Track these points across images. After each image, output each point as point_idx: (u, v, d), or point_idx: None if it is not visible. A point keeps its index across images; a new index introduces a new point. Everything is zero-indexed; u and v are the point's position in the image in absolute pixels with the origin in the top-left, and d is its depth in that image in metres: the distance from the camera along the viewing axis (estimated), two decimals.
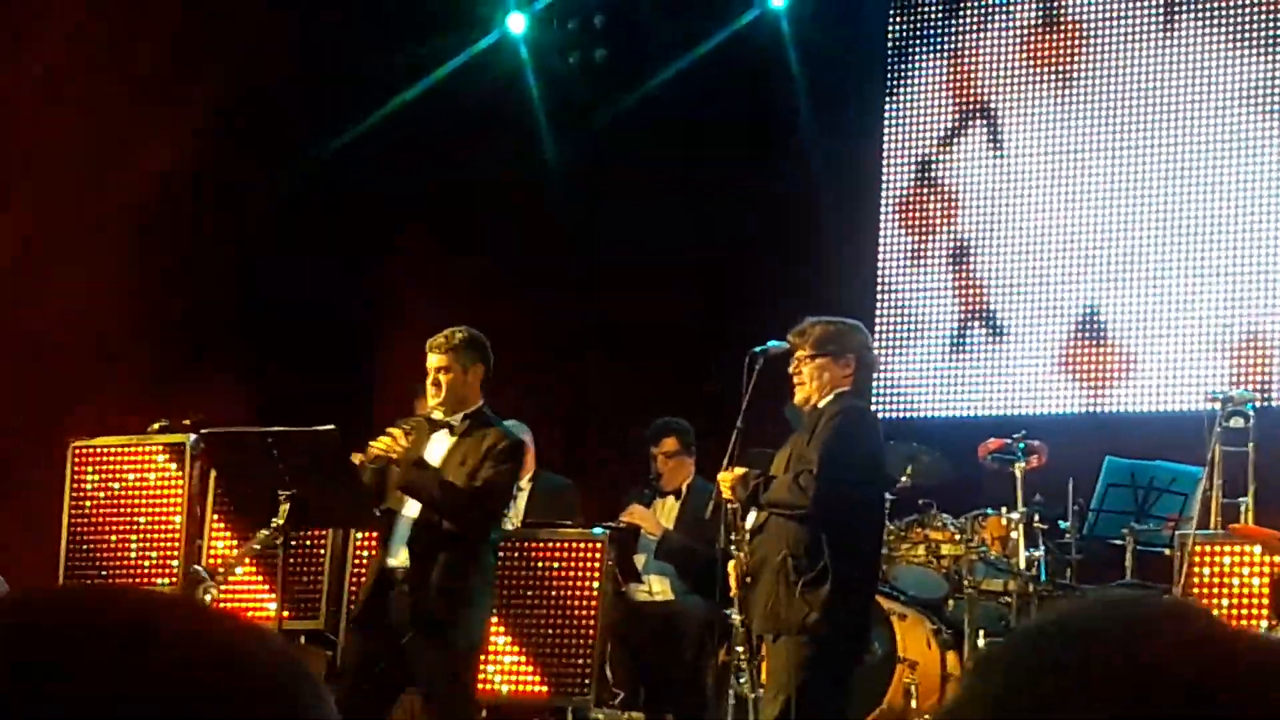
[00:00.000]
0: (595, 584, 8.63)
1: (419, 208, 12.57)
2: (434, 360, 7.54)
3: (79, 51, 10.63)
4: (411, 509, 7.41)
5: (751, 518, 7.29)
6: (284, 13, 11.49)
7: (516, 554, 8.73)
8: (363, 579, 7.97)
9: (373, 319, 12.34)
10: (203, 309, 11.43)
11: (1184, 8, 11.33)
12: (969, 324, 11.85)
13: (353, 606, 8.13)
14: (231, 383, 10.80)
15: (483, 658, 8.48)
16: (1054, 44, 11.70)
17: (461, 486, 7.35)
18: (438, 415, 7.55)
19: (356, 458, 7.45)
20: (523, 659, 8.65)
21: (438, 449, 7.49)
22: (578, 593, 8.65)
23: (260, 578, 8.85)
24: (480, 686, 8.51)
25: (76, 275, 10.58)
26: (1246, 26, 11.18)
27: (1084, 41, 11.60)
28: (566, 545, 8.72)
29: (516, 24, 12.31)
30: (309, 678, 1.11)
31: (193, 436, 8.72)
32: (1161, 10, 11.37)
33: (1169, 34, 11.36)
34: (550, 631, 8.65)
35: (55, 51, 10.53)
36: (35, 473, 9.51)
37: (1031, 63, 11.75)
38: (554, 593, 8.68)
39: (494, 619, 8.55)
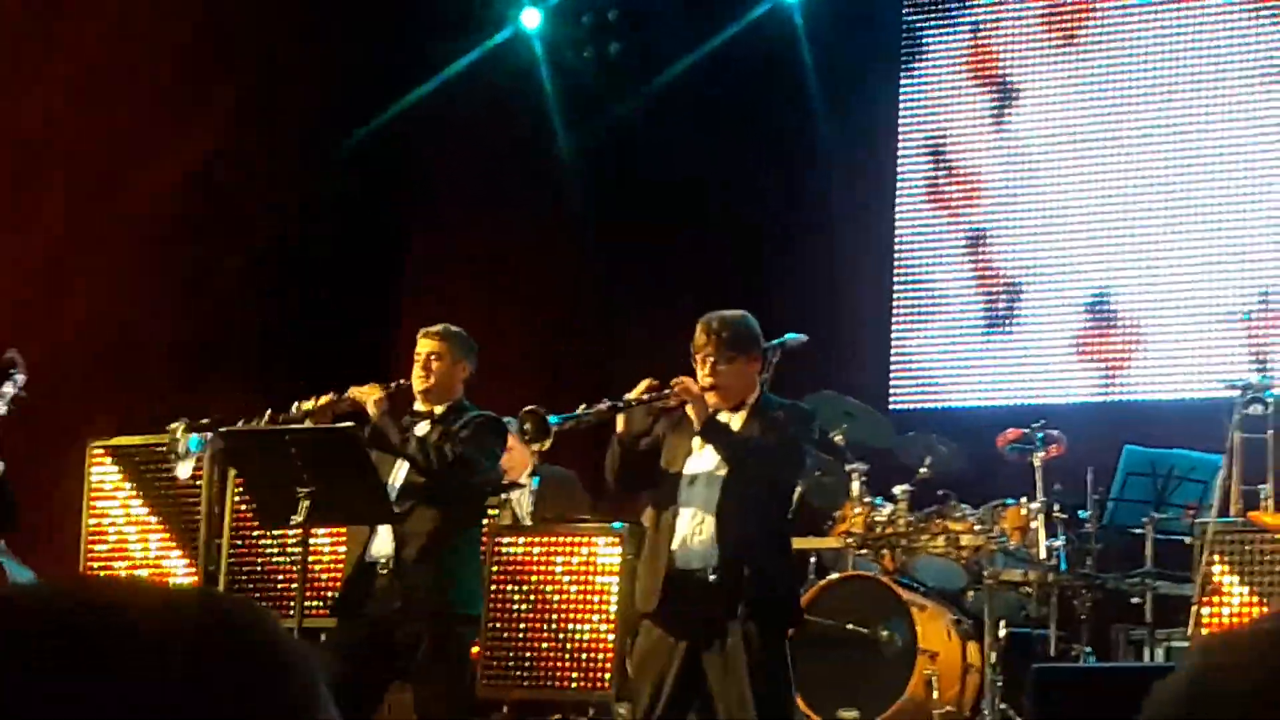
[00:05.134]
0: (614, 578, 8.61)
1: (435, 205, 12.56)
2: (427, 345, 7.59)
3: (105, 59, 10.65)
4: (395, 483, 7.40)
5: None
6: (301, 17, 11.50)
7: (535, 549, 8.72)
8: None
9: (386, 322, 12.33)
10: (219, 314, 11.43)
11: None
12: (986, 314, 11.82)
13: (332, 597, 8.00)
14: (247, 388, 10.80)
15: (500, 651, 8.49)
16: (1067, 21, 11.65)
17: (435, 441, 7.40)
18: (420, 406, 7.57)
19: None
20: (542, 655, 8.64)
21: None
22: (597, 587, 8.63)
23: (281, 575, 8.84)
24: (499, 683, 8.51)
25: (98, 280, 10.61)
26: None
27: (1097, 18, 11.57)
28: (585, 539, 8.70)
29: (531, 19, 12.30)
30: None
31: (210, 435, 8.70)
32: None
33: (1184, 4, 11.32)
34: (570, 626, 8.63)
35: (82, 58, 10.54)
36: (55, 474, 9.51)
37: (1044, 41, 11.72)
38: (573, 587, 8.67)
39: (513, 614, 8.56)
